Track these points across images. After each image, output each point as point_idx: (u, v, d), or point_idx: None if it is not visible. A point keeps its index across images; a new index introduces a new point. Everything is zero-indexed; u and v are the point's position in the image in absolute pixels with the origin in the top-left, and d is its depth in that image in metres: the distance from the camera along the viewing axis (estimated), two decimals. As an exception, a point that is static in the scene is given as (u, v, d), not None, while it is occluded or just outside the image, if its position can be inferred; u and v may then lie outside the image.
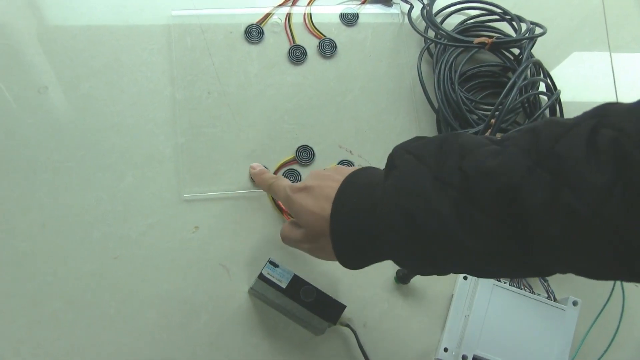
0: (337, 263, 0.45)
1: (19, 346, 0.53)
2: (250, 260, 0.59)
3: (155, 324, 0.55)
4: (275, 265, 0.54)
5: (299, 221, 0.48)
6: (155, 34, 0.63)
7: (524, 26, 0.67)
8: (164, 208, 0.58)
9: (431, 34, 0.69)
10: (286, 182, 0.52)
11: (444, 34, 0.66)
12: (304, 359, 0.57)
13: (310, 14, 0.68)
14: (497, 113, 0.60)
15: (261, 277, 0.53)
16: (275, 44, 0.66)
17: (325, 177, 0.47)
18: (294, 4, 0.68)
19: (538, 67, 0.67)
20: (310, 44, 0.67)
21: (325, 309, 0.53)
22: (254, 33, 0.65)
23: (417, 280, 0.60)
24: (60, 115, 0.59)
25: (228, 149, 0.61)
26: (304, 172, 0.62)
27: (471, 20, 0.71)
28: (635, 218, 0.29)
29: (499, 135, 0.51)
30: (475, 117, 0.64)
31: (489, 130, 0.60)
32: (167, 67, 0.63)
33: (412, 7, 0.70)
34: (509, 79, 0.64)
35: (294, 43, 0.66)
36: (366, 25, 0.69)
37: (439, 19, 0.70)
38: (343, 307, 0.54)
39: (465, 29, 0.70)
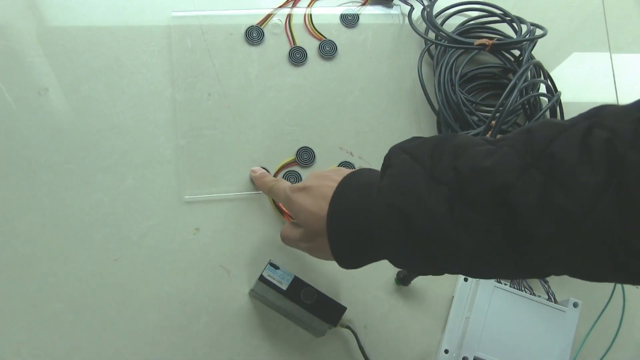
0: (337, 265, 0.45)
1: (19, 347, 0.53)
2: (250, 261, 0.59)
3: (156, 325, 0.55)
4: (276, 267, 0.54)
5: (298, 220, 0.48)
6: (156, 35, 0.63)
7: (524, 27, 0.67)
8: (164, 210, 0.58)
9: (432, 35, 0.69)
10: (286, 183, 0.53)
11: (445, 35, 0.66)
12: (304, 361, 0.57)
13: (311, 15, 0.68)
14: (497, 115, 0.60)
15: (262, 278, 0.53)
16: (276, 45, 0.66)
17: (323, 178, 0.47)
18: (294, 5, 0.68)
19: (538, 68, 0.67)
20: (310, 45, 0.67)
21: (325, 311, 0.53)
22: (254, 34, 0.65)
23: (418, 281, 0.60)
24: (60, 116, 0.59)
25: (228, 150, 0.61)
26: (305, 173, 0.62)
27: (472, 22, 0.71)
28: (628, 218, 0.29)
29: (499, 137, 0.51)
30: (475, 118, 0.64)
31: (490, 132, 0.60)
32: (167, 68, 0.63)
33: (412, 8, 0.70)
34: (510, 80, 0.64)
35: (294, 44, 0.66)
36: (366, 26, 0.69)
37: (439, 21, 0.70)
38: (344, 308, 0.54)
39: (465, 30, 0.70)
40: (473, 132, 0.62)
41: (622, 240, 0.30)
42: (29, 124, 0.58)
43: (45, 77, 0.60)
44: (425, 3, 0.70)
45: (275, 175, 0.62)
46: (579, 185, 0.31)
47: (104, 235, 0.57)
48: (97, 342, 0.54)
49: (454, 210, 0.36)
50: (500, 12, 0.70)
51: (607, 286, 0.62)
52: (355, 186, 0.43)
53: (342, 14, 0.69)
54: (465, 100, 0.65)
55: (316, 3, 0.69)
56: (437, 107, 0.66)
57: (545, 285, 0.60)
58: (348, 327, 0.56)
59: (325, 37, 0.67)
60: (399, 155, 0.40)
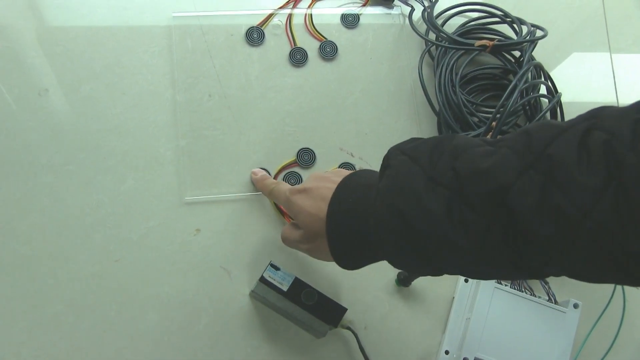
0: (338, 266, 0.45)
1: (20, 349, 0.53)
2: (251, 263, 0.59)
3: (156, 326, 0.55)
4: (277, 268, 0.54)
5: (298, 222, 0.48)
6: (156, 35, 0.63)
7: (524, 29, 0.67)
8: (164, 211, 0.58)
9: (432, 36, 0.69)
10: (286, 186, 0.53)
11: (445, 36, 0.66)
12: (305, 362, 0.57)
13: (312, 15, 0.68)
14: (498, 116, 0.60)
15: (262, 280, 0.53)
16: (276, 46, 0.66)
17: (323, 179, 0.47)
18: (294, 6, 0.68)
19: (539, 69, 0.67)
20: (311, 46, 0.67)
21: (326, 312, 0.53)
22: (254, 35, 0.65)
23: (418, 282, 0.60)
24: (60, 117, 0.59)
25: (229, 151, 0.61)
26: (305, 174, 0.62)
27: (472, 23, 0.71)
28: (626, 220, 0.29)
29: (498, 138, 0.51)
30: (476, 119, 0.64)
31: (490, 133, 0.60)
32: (168, 69, 0.63)
33: (413, 9, 0.70)
34: (510, 81, 0.64)
35: (294, 45, 0.66)
36: (367, 27, 0.69)
37: (440, 21, 0.70)
38: (344, 309, 0.54)
39: (466, 31, 0.70)
40: (473, 133, 0.62)
41: (621, 241, 0.30)
42: (29, 125, 0.58)
43: (45, 77, 0.60)
44: (426, 4, 0.70)
45: (275, 176, 0.62)
46: (578, 186, 0.31)
47: (104, 236, 0.57)
48: (97, 342, 0.54)
49: (452, 211, 0.36)
50: (501, 13, 0.70)
51: (608, 287, 0.62)
52: (354, 187, 0.44)
53: (342, 15, 0.69)
54: (465, 101, 0.65)
55: (317, 4, 0.69)
56: (437, 108, 0.66)
57: (546, 286, 0.60)
58: (349, 328, 0.56)
59: (325, 38, 0.67)
60: (397, 156, 0.40)
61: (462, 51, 0.68)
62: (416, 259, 0.39)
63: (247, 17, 0.66)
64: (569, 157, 0.31)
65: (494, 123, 0.60)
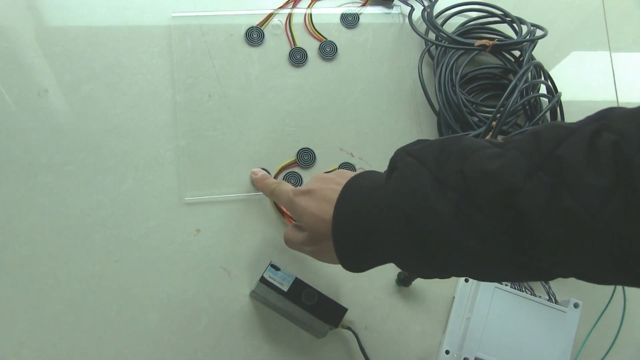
0: (338, 266, 0.45)
1: (20, 349, 0.53)
2: (251, 263, 0.59)
3: (156, 326, 0.55)
4: (277, 268, 0.54)
5: (302, 224, 0.48)
6: (156, 36, 0.63)
7: (524, 28, 0.67)
8: (165, 211, 0.58)
9: (432, 36, 0.69)
10: (288, 186, 0.52)
11: (445, 36, 0.66)
12: (305, 362, 0.57)
13: (311, 15, 0.68)
14: (498, 115, 0.60)
15: (262, 280, 0.53)
16: (276, 46, 0.66)
17: (327, 180, 0.47)
18: (294, 6, 0.68)
19: (539, 69, 0.67)
20: (311, 46, 0.67)
21: (326, 312, 0.53)
22: (254, 35, 0.65)
23: (419, 282, 0.60)
24: (60, 118, 0.59)
25: (229, 151, 0.61)
26: (305, 174, 0.62)
27: (472, 22, 0.71)
28: (635, 221, 0.29)
29: (500, 138, 0.51)
30: (476, 119, 0.64)
31: (490, 133, 0.60)
32: (167, 69, 0.63)
33: (412, 9, 0.70)
34: (510, 81, 0.64)
35: (294, 45, 0.66)
36: (367, 26, 0.69)
37: (439, 21, 0.70)
38: (344, 310, 0.54)
39: (466, 31, 0.70)
40: (474, 133, 0.62)
41: (629, 243, 0.30)
42: (29, 125, 0.58)
43: (45, 78, 0.60)
44: (426, 3, 0.70)
45: (275, 176, 0.61)
46: (586, 188, 0.30)
47: (104, 236, 0.57)
48: (97, 343, 0.54)
49: (460, 213, 0.35)
50: (501, 13, 0.70)
51: (608, 287, 0.62)
52: (360, 189, 0.43)
53: (342, 15, 0.69)
54: (465, 101, 0.65)
55: (316, 3, 0.69)
56: (437, 107, 0.65)
57: (546, 286, 0.60)
58: (349, 328, 0.56)
59: (325, 38, 0.67)
60: (404, 158, 0.40)
61: (462, 51, 0.68)
62: (423, 261, 0.39)
63: (247, 17, 0.66)
64: (578, 159, 0.31)
65: (494, 123, 0.60)
